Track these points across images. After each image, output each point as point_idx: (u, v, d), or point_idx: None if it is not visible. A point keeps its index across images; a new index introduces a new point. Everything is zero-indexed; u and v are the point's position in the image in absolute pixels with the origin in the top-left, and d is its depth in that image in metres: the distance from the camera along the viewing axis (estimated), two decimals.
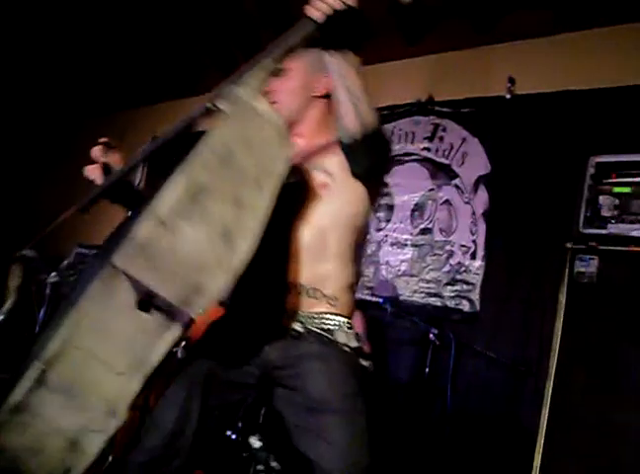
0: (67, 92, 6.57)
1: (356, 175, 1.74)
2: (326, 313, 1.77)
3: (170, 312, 1.33)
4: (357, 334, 1.81)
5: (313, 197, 1.77)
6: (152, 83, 6.05)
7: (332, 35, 1.41)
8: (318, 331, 1.74)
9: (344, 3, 1.32)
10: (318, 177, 1.80)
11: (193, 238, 1.32)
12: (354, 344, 1.76)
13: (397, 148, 4.70)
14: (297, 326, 1.75)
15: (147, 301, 1.32)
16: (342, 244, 1.80)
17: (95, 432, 1.29)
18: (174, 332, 1.34)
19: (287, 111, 1.87)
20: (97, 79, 6.19)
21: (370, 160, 1.67)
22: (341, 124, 1.58)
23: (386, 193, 4.65)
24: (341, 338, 1.75)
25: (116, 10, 4.95)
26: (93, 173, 1.72)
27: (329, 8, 1.33)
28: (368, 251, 4.60)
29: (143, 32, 5.23)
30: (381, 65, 4.80)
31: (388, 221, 4.61)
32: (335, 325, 1.76)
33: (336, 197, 1.78)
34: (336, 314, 1.78)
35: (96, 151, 1.74)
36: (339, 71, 1.50)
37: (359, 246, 1.88)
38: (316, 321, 1.75)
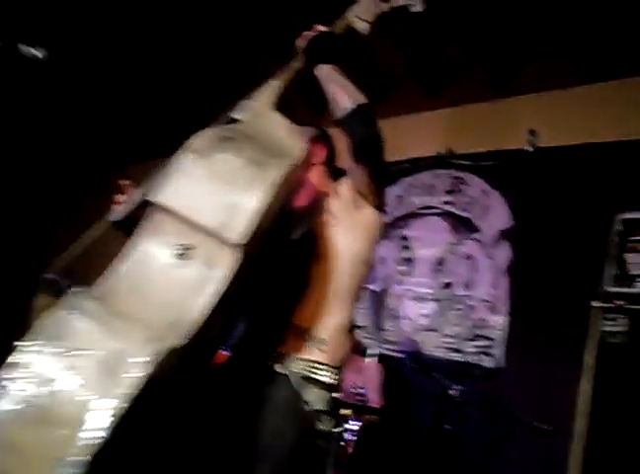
0: (83, 146, 6.78)
1: (356, 149, 1.78)
2: (314, 362, 1.75)
3: (210, 255, 1.37)
4: (331, 397, 1.77)
5: (319, 238, 1.84)
6: (167, 136, 6.17)
7: (317, 54, 1.86)
8: (293, 377, 1.73)
9: (316, 31, 1.87)
10: (321, 219, 1.87)
11: (227, 161, 1.45)
12: (317, 406, 1.73)
13: (417, 201, 4.71)
14: (279, 368, 1.75)
15: (183, 254, 1.38)
16: (344, 283, 1.83)
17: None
18: (215, 280, 1.35)
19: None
20: (113, 133, 6.39)
21: (367, 126, 1.78)
22: (335, 106, 1.79)
23: (406, 246, 4.64)
24: (308, 396, 1.72)
25: (132, 66, 5.08)
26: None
27: (307, 36, 1.87)
28: (389, 305, 4.57)
29: (159, 88, 5.37)
30: (400, 118, 4.81)
31: (409, 275, 4.58)
32: (314, 379, 1.74)
33: (341, 235, 1.84)
34: (323, 365, 1.76)
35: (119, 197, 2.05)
36: (327, 74, 1.83)
37: (362, 282, 1.93)
38: (300, 365, 1.74)
